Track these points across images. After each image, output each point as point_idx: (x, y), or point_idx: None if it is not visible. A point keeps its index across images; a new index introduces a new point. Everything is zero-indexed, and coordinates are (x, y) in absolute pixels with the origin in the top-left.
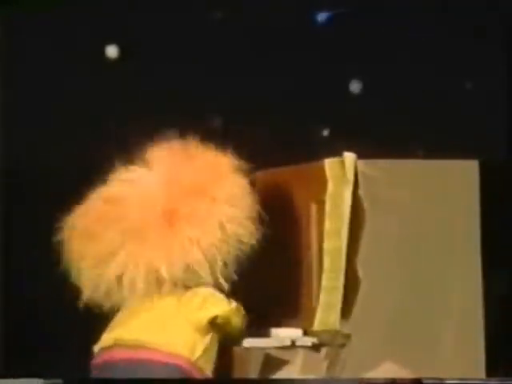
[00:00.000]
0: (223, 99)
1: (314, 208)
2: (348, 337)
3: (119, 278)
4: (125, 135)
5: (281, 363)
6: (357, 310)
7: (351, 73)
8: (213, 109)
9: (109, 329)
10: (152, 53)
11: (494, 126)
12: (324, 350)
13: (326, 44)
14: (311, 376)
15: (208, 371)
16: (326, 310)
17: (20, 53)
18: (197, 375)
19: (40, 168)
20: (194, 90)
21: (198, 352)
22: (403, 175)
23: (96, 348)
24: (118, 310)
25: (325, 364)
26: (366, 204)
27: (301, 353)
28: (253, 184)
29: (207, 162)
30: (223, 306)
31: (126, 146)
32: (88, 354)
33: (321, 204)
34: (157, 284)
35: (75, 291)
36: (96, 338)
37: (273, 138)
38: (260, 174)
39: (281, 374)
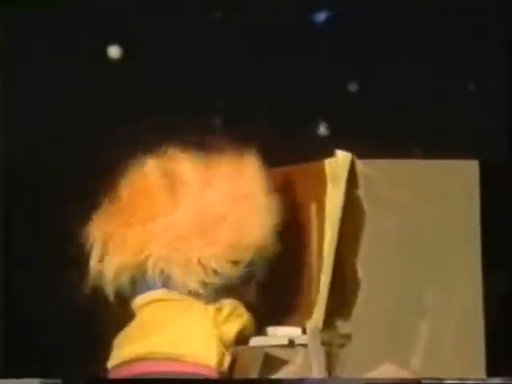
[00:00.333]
0: (223, 99)
1: (314, 208)
2: (348, 337)
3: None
4: (125, 135)
5: (281, 363)
6: (357, 310)
7: (351, 72)
8: (213, 109)
9: (123, 343)
10: (152, 53)
11: (494, 126)
12: (324, 350)
13: (326, 44)
14: (311, 376)
15: None
16: (330, 311)
17: (20, 53)
18: None
19: (40, 168)
20: (194, 90)
21: (226, 363)
22: (403, 175)
23: (110, 364)
24: (132, 316)
25: (325, 364)
26: (365, 204)
27: (301, 352)
28: None
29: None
30: (247, 318)
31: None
32: (88, 353)
33: (321, 204)
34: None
35: (75, 290)
36: (96, 338)
37: (273, 138)
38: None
39: (281, 374)
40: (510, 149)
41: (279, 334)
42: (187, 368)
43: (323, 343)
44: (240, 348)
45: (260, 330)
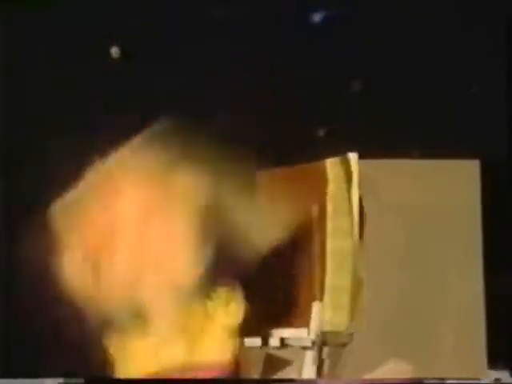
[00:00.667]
0: (223, 99)
1: (314, 208)
2: (350, 336)
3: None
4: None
5: (282, 363)
6: (358, 309)
7: (352, 72)
8: (212, 109)
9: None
10: (153, 53)
11: (494, 126)
12: (326, 350)
13: (326, 43)
14: (312, 376)
15: None
16: (332, 311)
17: (20, 53)
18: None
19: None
20: (194, 90)
21: (236, 350)
22: (403, 175)
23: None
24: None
25: (327, 364)
26: (365, 204)
27: (302, 353)
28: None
29: None
30: (241, 307)
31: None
32: (88, 353)
33: (322, 204)
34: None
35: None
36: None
37: (273, 138)
38: (260, 174)
39: (281, 374)
40: (510, 149)
41: (283, 335)
42: (208, 374)
43: (325, 343)
44: (241, 349)
45: (263, 331)
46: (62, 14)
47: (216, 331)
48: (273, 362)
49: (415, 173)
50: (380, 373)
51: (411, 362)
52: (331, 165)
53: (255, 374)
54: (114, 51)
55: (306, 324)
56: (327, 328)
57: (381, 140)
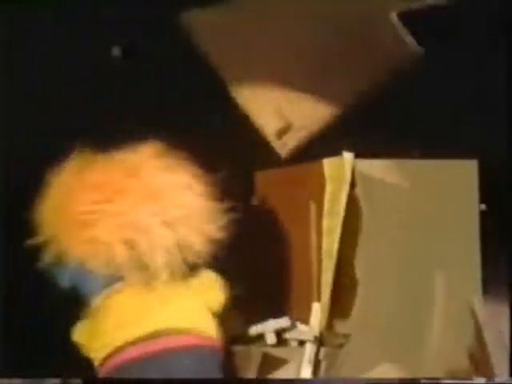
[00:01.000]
0: (223, 99)
1: (313, 208)
2: (347, 337)
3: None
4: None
5: (280, 363)
6: (355, 310)
7: None
8: (212, 108)
9: (106, 332)
10: (153, 53)
11: (494, 126)
12: (322, 350)
13: None
14: (309, 376)
15: None
16: (329, 311)
17: (20, 53)
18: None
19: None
20: (194, 90)
21: (221, 333)
22: (403, 175)
23: (97, 355)
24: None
25: (324, 364)
26: (364, 204)
27: (299, 353)
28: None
29: None
30: (225, 290)
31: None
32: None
33: (320, 204)
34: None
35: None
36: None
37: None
38: (260, 174)
39: (280, 374)
40: (510, 148)
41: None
42: (193, 340)
43: (322, 344)
44: (237, 348)
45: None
46: (62, 14)
47: (200, 306)
48: (270, 362)
49: (414, 173)
50: (375, 374)
51: (407, 362)
52: (329, 164)
53: (253, 374)
54: (116, 51)
55: (304, 324)
56: (323, 328)
57: (380, 140)
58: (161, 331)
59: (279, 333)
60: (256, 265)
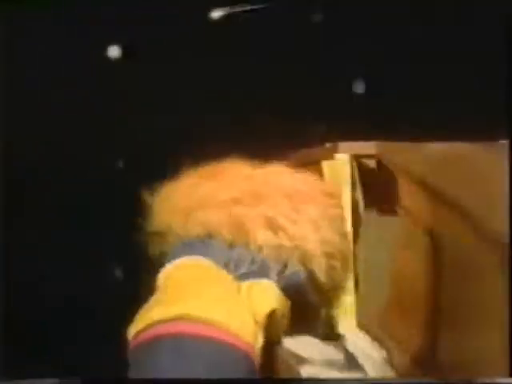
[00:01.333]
0: (223, 99)
1: None
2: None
3: None
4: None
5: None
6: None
7: (354, 73)
8: (212, 108)
9: (152, 306)
10: (153, 53)
11: (494, 126)
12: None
13: (327, 43)
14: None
15: None
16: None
17: (20, 53)
18: (257, 369)
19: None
20: (194, 90)
21: (259, 344)
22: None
23: (137, 326)
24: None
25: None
26: (363, 204)
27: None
28: None
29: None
30: (282, 301)
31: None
32: (88, 354)
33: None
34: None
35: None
36: (97, 337)
37: (273, 138)
38: None
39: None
40: (509, 148)
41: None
42: (231, 339)
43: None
44: None
45: None
46: (62, 14)
47: (244, 310)
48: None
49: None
50: None
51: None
52: (328, 166)
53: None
54: (114, 51)
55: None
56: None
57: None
58: (193, 316)
59: None
60: None
